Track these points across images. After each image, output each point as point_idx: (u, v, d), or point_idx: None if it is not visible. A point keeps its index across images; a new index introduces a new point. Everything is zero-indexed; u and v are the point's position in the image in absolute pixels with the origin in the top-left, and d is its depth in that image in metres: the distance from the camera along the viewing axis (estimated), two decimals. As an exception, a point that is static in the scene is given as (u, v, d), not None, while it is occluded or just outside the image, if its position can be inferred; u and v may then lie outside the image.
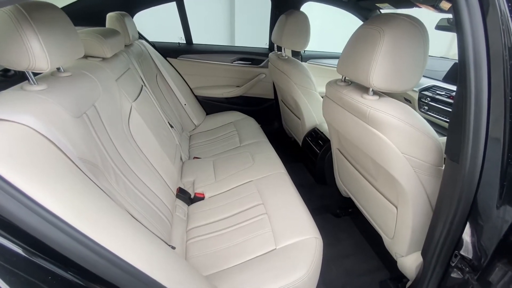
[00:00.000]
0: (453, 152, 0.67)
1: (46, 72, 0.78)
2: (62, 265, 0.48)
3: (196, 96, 2.16)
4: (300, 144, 1.85)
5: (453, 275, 0.81)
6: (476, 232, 0.71)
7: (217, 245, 1.04)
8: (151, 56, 1.83)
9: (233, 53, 2.19)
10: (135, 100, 1.16)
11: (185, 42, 2.18)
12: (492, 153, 0.62)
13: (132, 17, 1.82)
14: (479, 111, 0.60)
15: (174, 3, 1.97)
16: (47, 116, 0.60)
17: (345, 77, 1.02)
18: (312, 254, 0.95)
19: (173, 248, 0.91)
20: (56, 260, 0.47)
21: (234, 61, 2.18)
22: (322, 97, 1.56)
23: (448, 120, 1.65)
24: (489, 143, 0.62)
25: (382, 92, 0.88)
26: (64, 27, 0.71)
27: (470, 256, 0.75)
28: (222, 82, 2.26)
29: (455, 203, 0.69)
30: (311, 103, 1.63)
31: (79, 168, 0.59)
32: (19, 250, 0.44)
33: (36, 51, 0.60)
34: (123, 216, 0.61)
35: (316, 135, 1.68)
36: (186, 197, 1.31)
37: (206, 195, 1.32)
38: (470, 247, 0.74)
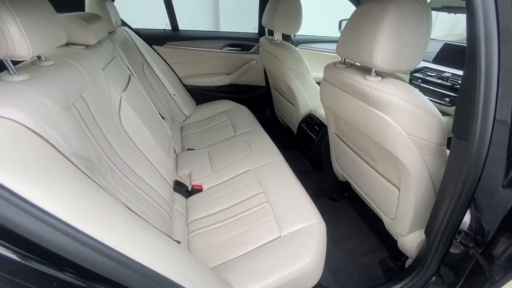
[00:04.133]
0: (461, 130, 0.67)
1: (26, 61, 0.71)
2: (67, 270, 0.44)
3: (185, 86, 2.08)
4: (295, 131, 1.83)
5: (456, 251, 0.84)
6: (481, 209, 0.72)
7: (220, 236, 1.02)
8: (135, 44, 1.73)
9: (222, 39, 2.11)
10: (124, 91, 1.09)
11: (170, 28, 2.07)
12: (499, 131, 0.62)
13: (113, 1, 1.70)
14: (488, 90, 0.59)
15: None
16: (34, 109, 0.54)
17: (344, 59, 0.99)
18: (318, 239, 0.95)
19: (179, 242, 0.88)
20: (60, 265, 0.43)
21: (223, 47, 2.11)
22: (317, 82, 1.54)
23: (439, 101, 1.68)
24: (497, 121, 0.61)
25: (384, 73, 0.86)
26: (44, 10, 0.64)
27: (474, 232, 0.77)
28: (212, 70, 2.19)
29: (461, 181, 0.70)
30: (305, 88, 1.61)
31: (75, 165, 0.54)
32: (17, 258, 0.40)
33: (15, 37, 0.54)
34: (126, 213, 0.58)
35: (311, 121, 1.66)
36: (183, 189, 1.28)
37: (204, 187, 1.29)
38: (474, 223, 0.76)
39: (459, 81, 1.63)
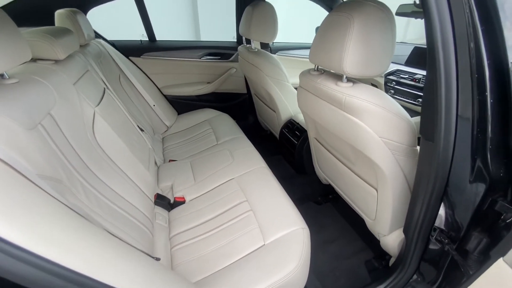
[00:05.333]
0: (428, 132, 0.70)
1: None
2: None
3: (165, 96, 2.06)
4: (277, 136, 1.85)
5: (434, 247, 0.86)
6: (452, 206, 0.75)
7: (204, 248, 1.00)
8: (111, 56, 1.70)
9: (201, 48, 2.11)
10: (98, 105, 1.06)
11: (147, 39, 2.05)
12: (463, 130, 0.65)
13: (85, 14, 1.66)
14: (449, 92, 0.62)
15: (131, -2, 1.83)
16: None
17: (317, 66, 1.02)
18: (301, 245, 0.95)
19: (158, 259, 0.85)
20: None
21: (202, 56, 2.11)
22: (295, 88, 1.57)
23: (413, 102, 1.75)
24: (460, 121, 0.65)
25: (355, 79, 0.89)
26: (4, 27, 0.62)
27: (448, 228, 0.79)
28: (192, 79, 2.18)
29: (432, 180, 0.73)
30: (284, 95, 1.63)
31: (39, 187, 0.51)
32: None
33: None
34: (98, 234, 0.55)
35: (292, 127, 1.68)
36: (165, 202, 1.25)
37: (187, 199, 1.27)
38: (447, 220, 0.79)
39: (430, 82, 1.71)
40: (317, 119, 1.09)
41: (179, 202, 1.26)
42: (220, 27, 3.24)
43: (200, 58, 2.11)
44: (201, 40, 3.85)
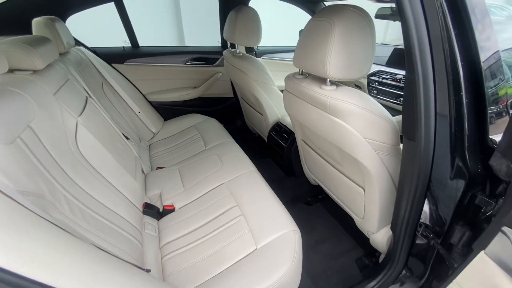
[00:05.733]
0: (409, 131, 0.73)
1: None
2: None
3: (150, 102, 2.03)
4: (266, 139, 1.86)
5: (420, 242, 0.89)
6: (436, 202, 0.78)
7: (196, 256, 0.99)
8: (92, 63, 1.66)
9: (185, 53, 2.10)
10: (80, 115, 1.04)
11: (130, 45, 2.02)
12: (442, 129, 0.68)
13: (64, 22, 1.62)
14: (427, 92, 0.65)
15: (112, 4, 1.80)
16: None
17: (302, 70, 1.03)
18: (293, 247, 0.96)
19: (149, 271, 0.84)
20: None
21: (187, 61, 2.09)
22: (281, 91, 1.59)
23: (395, 101, 1.81)
24: (438, 120, 0.67)
25: (338, 81, 0.91)
26: None
27: (432, 223, 0.82)
28: (177, 84, 2.16)
29: (415, 178, 0.75)
30: (271, 98, 1.64)
31: (20, 204, 0.49)
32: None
33: None
34: (84, 249, 0.54)
35: (280, 129, 1.69)
36: (154, 211, 1.23)
37: (176, 206, 1.25)
38: (432, 215, 0.81)
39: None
40: (304, 121, 1.11)
41: (168, 210, 1.24)
42: (204, 31, 3.24)
43: (185, 63, 2.09)
44: (186, 45, 3.82)
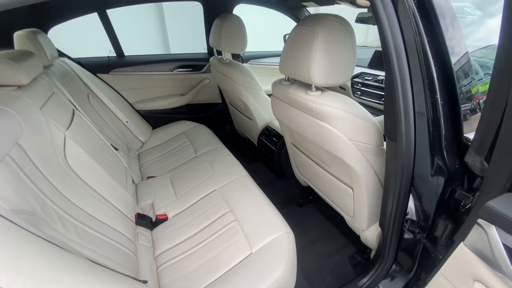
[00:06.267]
0: (391, 132, 0.77)
1: None
2: None
3: (138, 111, 2.02)
4: (256, 143, 1.88)
5: (407, 237, 0.93)
6: (420, 198, 0.82)
7: (191, 264, 1.00)
8: (77, 74, 1.63)
9: (172, 61, 2.10)
10: (68, 128, 1.03)
11: (115, 55, 2.00)
12: (421, 129, 0.72)
13: (46, 33, 1.60)
14: (405, 95, 0.69)
15: (95, 14, 1.78)
16: None
17: (288, 76, 1.07)
18: (287, 249, 0.98)
19: (145, 282, 0.84)
20: None
21: (174, 69, 2.10)
22: (268, 95, 1.62)
23: (378, 102, 1.87)
24: (417, 121, 0.72)
25: (323, 87, 0.95)
26: None
27: (418, 219, 0.87)
28: (165, 92, 2.15)
29: (399, 176, 0.79)
30: (259, 103, 1.67)
31: (15, 223, 0.49)
32: None
33: None
34: (80, 264, 0.54)
35: (269, 133, 1.72)
36: (147, 222, 1.22)
37: (169, 215, 1.25)
38: (417, 211, 0.86)
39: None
40: (292, 126, 1.14)
41: (161, 220, 1.24)
42: (189, 39, 3.24)
43: (172, 71, 2.09)
44: (172, 53, 3.81)
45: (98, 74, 1.85)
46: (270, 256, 0.96)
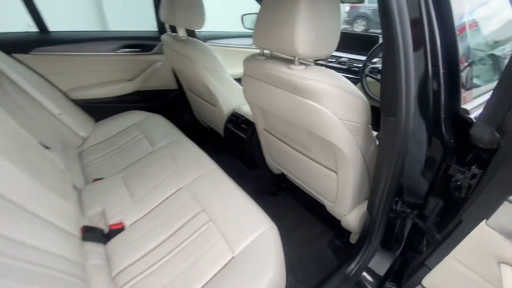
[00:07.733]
0: (389, 108, 0.69)
1: None
2: None
3: (73, 101, 1.66)
4: (221, 133, 1.71)
5: (395, 218, 0.90)
6: (413, 177, 0.78)
7: (164, 278, 0.82)
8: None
9: (114, 39, 1.75)
10: None
11: (36, 29, 1.59)
12: (421, 103, 0.66)
13: None
14: (407, 62, 0.62)
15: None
16: None
17: (264, 51, 0.93)
18: (274, 246, 0.88)
19: None
20: None
21: (117, 49, 1.76)
22: (235, 79, 1.45)
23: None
24: (418, 93, 0.65)
25: (307, 61, 0.83)
26: None
27: (408, 198, 0.83)
28: (107, 77, 1.80)
29: (395, 155, 0.73)
30: (223, 86, 1.50)
31: None
32: None
33: None
34: None
35: (237, 120, 1.57)
36: (97, 235, 0.98)
37: (126, 223, 1.03)
38: (408, 190, 0.82)
39: (354, 64, 1.84)
40: (267, 107, 1.01)
41: (116, 230, 1.01)
42: (133, 13, 2.79)
43: (115, 52, 1.76)
44: (110, 30, 3.27)
45: (13, 55, 1.45)
46: (255, 258, 0.84)
